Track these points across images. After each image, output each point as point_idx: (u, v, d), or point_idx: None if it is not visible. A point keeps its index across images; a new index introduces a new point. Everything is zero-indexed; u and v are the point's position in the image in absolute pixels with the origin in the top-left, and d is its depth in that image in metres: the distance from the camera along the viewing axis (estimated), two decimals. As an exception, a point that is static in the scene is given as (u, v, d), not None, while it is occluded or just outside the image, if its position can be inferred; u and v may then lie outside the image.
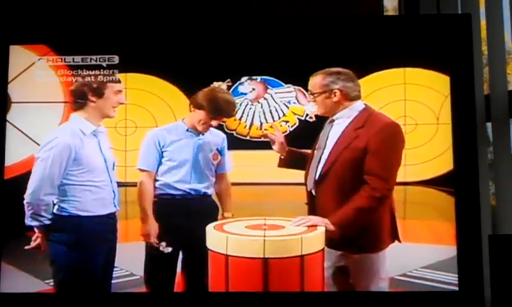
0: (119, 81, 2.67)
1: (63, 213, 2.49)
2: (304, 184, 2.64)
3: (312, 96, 2.61)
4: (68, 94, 2.67)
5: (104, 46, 2.80)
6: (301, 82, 2.76)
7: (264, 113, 2.78)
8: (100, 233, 2.54)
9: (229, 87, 2.78)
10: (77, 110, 2.57)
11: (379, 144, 2.47)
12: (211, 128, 2.75)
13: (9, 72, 2.79)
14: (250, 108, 2.78)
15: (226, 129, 2.77)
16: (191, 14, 3.28)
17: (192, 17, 3.23)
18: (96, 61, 2.78)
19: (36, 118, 2.76)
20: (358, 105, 2.56)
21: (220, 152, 2.75)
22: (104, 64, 2.77)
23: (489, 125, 3.22)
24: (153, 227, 2.66)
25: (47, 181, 2.44)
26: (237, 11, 3.31)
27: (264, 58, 2.79)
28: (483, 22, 3.34)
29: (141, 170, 2.71)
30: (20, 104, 2.78)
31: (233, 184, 2.76)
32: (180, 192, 2.69)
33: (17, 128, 2.76)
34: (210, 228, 2.58)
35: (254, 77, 2.79)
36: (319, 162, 2.57)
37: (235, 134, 2.78)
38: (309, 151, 2.68)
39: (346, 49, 2.75)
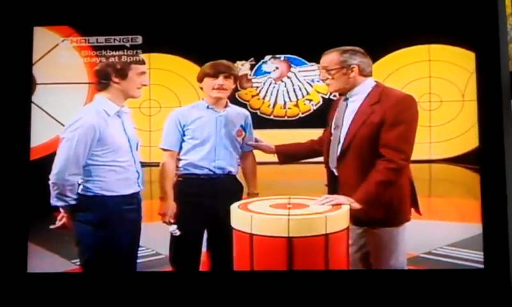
0: (143, 62, 2.65)
1: (88, 193, 2.50)
2: (326, 165, 2.64)
3: (326, 73, 2.58)
4: (92, 75, 2.68)
5: (128, 26, 2.81)
6: (325, 60, 2.75)
7: (288, 92, 2.78)
8: (124, 212, 2.55)
9: (252, 66, 2.78)
10: (101, 90, 2.56)
11: (394, 116, 2.46)
12: (233, 106, 2.76)
13: (34, 54, 2.82)
14: (274, 87, 2.78)
15: (250, 108, 2.77)
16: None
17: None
18: (119, 41, 2.78)
19: (60, 99, 2.78)
20: (370, 82, 2.56)
21: (244, 129, 2.76)
22: (128, 44, 2.78)
23: (515, 102, 3.19)
24: (171, 207, 2.68)
25: (72, 162, 2.45)
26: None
27: (287, 36, 2.78)
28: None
29: (164, 149, 2.73)
30: (44, 85, 2.81)
31: (258, 163, 2.76)
32: (204, 172, 2.70)
33: (42, 110, 2.79)
34: (234, 207, 2.58)
35: (277, 56, 2.78)
36: (339, 141, 2.56)
37: (259, 113, 2.78)
38: (301, 142, 2.73)
39: (370, 26, 2.73)
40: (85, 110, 2.57)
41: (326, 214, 2.49)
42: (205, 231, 2.71)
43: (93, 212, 2.49)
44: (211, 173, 2.70)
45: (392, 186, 2.47)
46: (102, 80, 2.57)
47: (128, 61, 2.65)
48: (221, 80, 2.69)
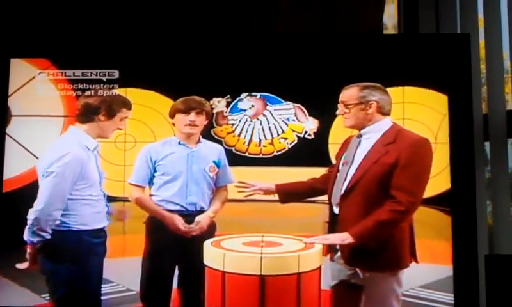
0: (131, 108, 2.65)
1: (62, 228, 2.46)
2: (328, 202, 2.57)
3: (344, 108, 2.53)
4: (81, 105, 2.62)
5: (105, 61, 2.81)
6: (300, 98, 2.78)
7: (263, 130, 2.79)
8: (96, 246, 2.53)
9: (228, 104, 2.79)
10: (81, 123, 2.55)
11: (410, 158, 2.39)
12: (207, 141, 2.76)
13: (10, 85, 2.81)
14: (249, 124, 2.79)
15: (225, 145, 2.78)
16: (191, 30, 3.29)
17: (192, 33, 3.25)
18: (96, 75, 2.79)
19: (35, 131, 2.77)
20: (387, 121, 2.50)
21: (217, 164, 2.75)
22: (104, 78, 2.79)
23: (487, 144, 3.23)
24: (175, 218, 2.66)
25: (59, 197, 2.42)
26: (237, 27, 3.33)
27: (263, 75, 2.80)
28: (482, 42, 3.36)
29: (132, 184, 2.72)
30: (20, 117, 2.79)
31: (231, 200, 2.75)
32: (176, 208, 2.68)
33: (16, 142, 2.77)
34: (207, 244, 2.58)
35: (254, 94, 2.80)
36: (345, 178, 2.49)
37: (234, 150, 2.78)
38: (302, 180, 2.69)
39: (345, 67, 2.76)
40: (67, 143, 2.51)
41: (299, 253, 2.50)
42: (176, 268, 2.68)
43: (68, 247, 2.46)
44: (183, 209, 2.69)
45: (392, 227, 2.39)
46: (91, 113, 2.55)
47: (122, 103, 2.63)
48: (192, 116, 2.70)
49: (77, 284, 2.49)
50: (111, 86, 2.77)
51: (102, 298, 2.61)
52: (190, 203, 2.69)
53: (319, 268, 2.55)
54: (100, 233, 2.55)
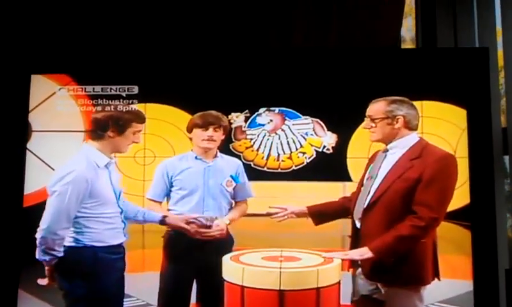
0: (143, 121, 2.56)
1: (78, 245, 2.44)
2: (351, 216, 2.54)
3: (371, 122, 2.50)
4: (89, 122, 2.57)
5: (124, 76, 2.85)
6: (318, 113, 2.79)
7: (282, 144, 2.80)
8: (113, 262, 2.50)
9: (247, 119, 2.80)
10: (94, 139, 2.49)
11: (434, 173, 2.36)
12: (224, 155, 2.77)
13: (30, 101, 2.84)
14: (268, 139, 2.80)
15: (243, 160, 2.79)
16: (210, 46, 3.31)
17: (211, 49, 3.26)
18: (116, 91, 2.82)
19: (56, 146, 2.80)
20: (414, 137, 2.47)
21: (234, 179, 2.75)
22: (124, 94, 2.81)
23: (506, 157, 3.21)
24: (179, 218, 2.66)
25: (64, 216, 2.38)
26: (255, 42, 3.34)
27: (281, 89, 2.81)
28: (500, 52, 3.34)
29: (148, 199, 2.74)
30: (40, 133, 2.82)
31: (250, 215, 2.76)
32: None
33: (37, 157, 2.80)
34: (226, 259, 2.58)
35: (272, 108, 2.81)
36: (369, 192, 2.47)
37: (252, 165, 2.79)
38: (333, 200, 2.68)
39: (363, 81, 2.77)
40: (75, 161, 2.46)
41: (318, 268, 2.50)
42: (195, 283, 2.69)
43: (83, 263, 2.43)
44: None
45: (412, 243, 2.36)
46: (99, 130, 2.49)
47: (131, 117, 2.53)
48: (210, 131, 2.70)
49: (94, 301, 2.46)
50: (130, 102, 2.78)
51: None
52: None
53: (338, 282, 2.54)
54: (118, 249, 2.52)
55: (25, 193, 2.78)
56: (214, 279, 2.59)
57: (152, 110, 2.79)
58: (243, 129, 2.81)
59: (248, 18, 3.37)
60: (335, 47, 3.30)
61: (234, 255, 2.64)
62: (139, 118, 2.54)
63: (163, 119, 2.80)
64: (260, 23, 3.37)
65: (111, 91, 2.82)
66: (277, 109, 2.81)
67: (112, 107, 2.75)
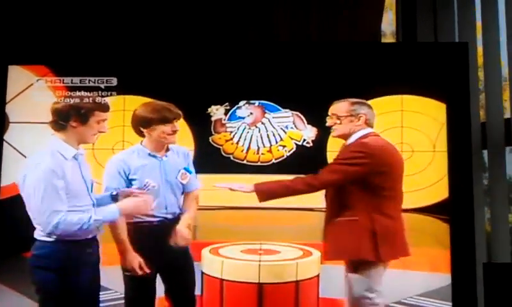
0: (107, 109, 2.41)
1: (50, 239, 2.31)
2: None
3: (336, 119, 2.54)
4: (52, 113, 2.41)
5: (103, 68, 2.81)
6: (299, 106, 2.78)
7: (262, 137, 2.79)
8: (86, 256, 2.39)
9: (227, 111, 2.79)
10: (58, 131, 2.37)
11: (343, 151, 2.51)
12: (173, 148, 2.65)
13: (8, 92, 2.81)
14: (248, 132, 2.79)
15: (223, 153, 2.77)
16: (190, 38, 3.30)
17: (191, 41, 3.25)
18: (94, 82, 2.79)
19: (33, 138, 2.75)
20: (367, 130, 2.50)
21: (188, 171, 2.65)
22: (102, 85, 2.79)
23: (485, 152, 3.24)
24: (136, 258, 2.53)
25: (54, 202, 2.24)
26: (235, 35, 3.34)
27: (261, 82, 2.80)
28: (480, 49, 3.37)
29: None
30: (17, 124, 2.79)
31: (231, 208, 2.74)
32: (158, 219, 2.58)
33: (14, 148, 2.77)
34: (205, 252, 2.57)
35: (252, 101, 2.80)
36: None
37: (232, 158, 2.78)
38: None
39: (344, 75, 2.77)
40: (40, 154, 2.33)
41: (297, 261, 2.50)
42: (159, 275, 2.59)
43: (55, 258, 2.32)
44: (164, 219, 2.59)
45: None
46: (60, 120, 2.37)
47: (93, 106, 2.41)
48: (174, 124, 2.59)
49: (68, 296, 2.40)
50: (109, 93, 2.76)
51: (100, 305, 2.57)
52: (170, 212, 2.61)
53: (317, 275, 2.54)
54: (92, 243, 2.46)
55: (1, 185, 2.74)
56: (179, 268, 2.54)
57: (130, 102, 2.75)
58: (223, 122, 2.79)
59: (228, 10, 3.37)
60: (316, 40, 3.31)
61: (213, 248, 2.63)
62: (102, 107, 2.43)
63: (142, 111, 2.77)
64: (240, 16, 3.37)
65: (89, 82, 2.79)
66: (257, 102, 2.80)
67: (91, 99, 2.69)
